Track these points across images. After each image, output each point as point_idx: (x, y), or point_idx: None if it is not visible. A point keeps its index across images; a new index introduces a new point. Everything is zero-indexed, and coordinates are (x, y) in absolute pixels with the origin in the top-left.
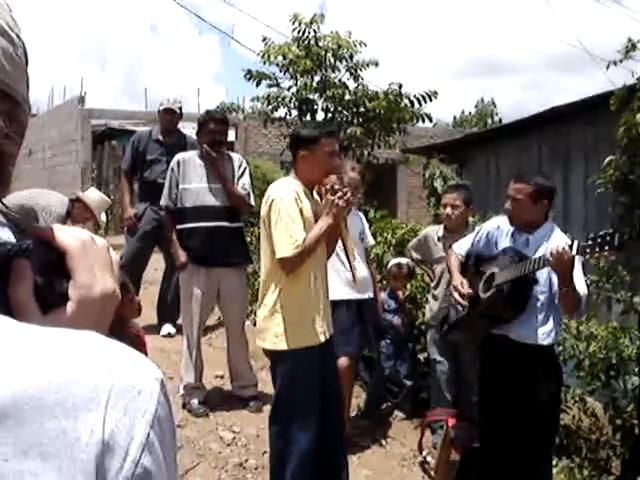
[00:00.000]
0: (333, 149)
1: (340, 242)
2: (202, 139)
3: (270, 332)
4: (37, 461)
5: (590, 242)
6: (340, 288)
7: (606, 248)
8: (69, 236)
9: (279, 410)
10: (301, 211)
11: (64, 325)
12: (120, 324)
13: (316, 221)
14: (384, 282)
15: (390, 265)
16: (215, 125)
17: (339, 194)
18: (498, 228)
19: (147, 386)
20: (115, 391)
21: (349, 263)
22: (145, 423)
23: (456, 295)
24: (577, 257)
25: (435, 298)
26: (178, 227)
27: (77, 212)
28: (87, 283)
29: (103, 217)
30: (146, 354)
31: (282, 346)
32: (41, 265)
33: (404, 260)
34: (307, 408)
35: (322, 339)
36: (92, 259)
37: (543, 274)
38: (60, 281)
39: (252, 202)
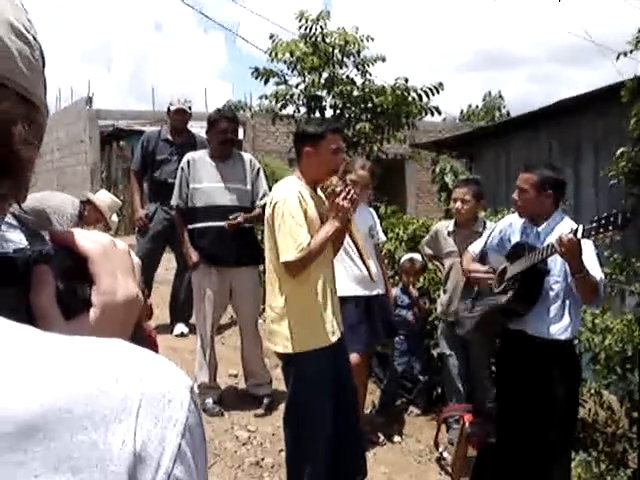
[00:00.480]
0: (338, 145)
1: (351, 241)
2: (212, 138)
3: (280, 335)
4: (68, 475)
5: (594, 224)
6: (347, 284)
7: (610, 228)
8: (90, 241)
9: (293, 412)
10: (305, 212)
11: (88, 331)
12: (137, 328)
13: (321, 220)
14: (396, 278)
15: (403, 260)
16: (226, 123)
17: (342, 195)
18: (510, 225)
19: (177, 394)
20: (145, 401)
21: (363, 261)
22: (176, 433)
23: (477, 275)
24: (586, 242)
25: (445, 292)
26: (189, 227)
27: (88, 214)
28: (110, 288)
29: (115, 218)
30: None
31: (293, 349)
32: (62, 270)
33: (417, 255)
34: (320, 409)
35: (333, 339)
36: (114, 263)
37: (557, 264)
38: (82, 286)
39: None
